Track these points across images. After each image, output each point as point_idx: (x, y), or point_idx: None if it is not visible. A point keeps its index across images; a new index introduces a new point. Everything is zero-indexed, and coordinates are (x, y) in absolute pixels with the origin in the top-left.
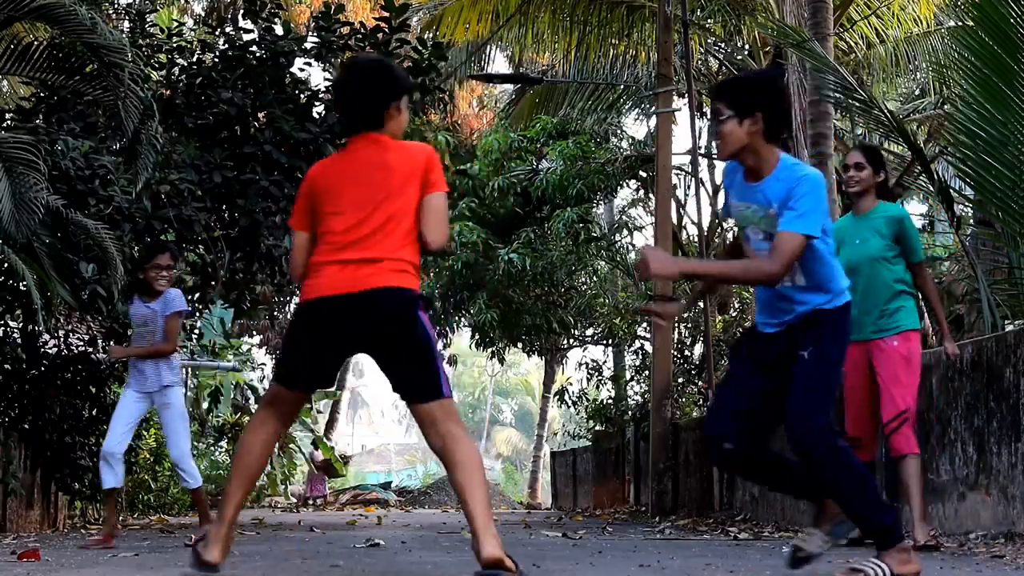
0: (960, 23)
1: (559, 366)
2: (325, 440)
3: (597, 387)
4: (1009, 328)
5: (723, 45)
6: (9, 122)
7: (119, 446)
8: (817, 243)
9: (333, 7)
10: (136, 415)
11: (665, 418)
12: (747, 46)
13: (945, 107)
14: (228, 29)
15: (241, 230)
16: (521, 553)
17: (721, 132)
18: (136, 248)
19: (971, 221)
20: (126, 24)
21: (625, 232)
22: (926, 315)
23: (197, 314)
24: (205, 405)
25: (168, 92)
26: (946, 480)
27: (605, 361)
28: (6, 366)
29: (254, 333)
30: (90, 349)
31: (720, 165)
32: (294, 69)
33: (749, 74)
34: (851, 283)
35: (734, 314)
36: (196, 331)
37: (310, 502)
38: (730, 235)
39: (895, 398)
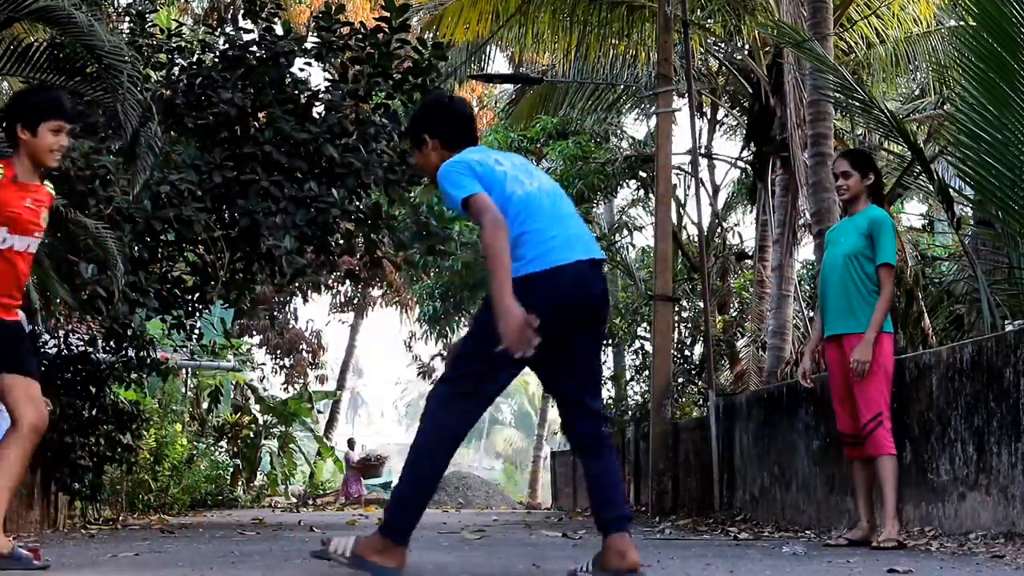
0: (961, 23)
1: None
2: (325, 440)
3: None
4: (1009, 328)
5: (723, 45)
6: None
7: None
8: None
9: (334, 7)
10: None
11: (665, 418)
12: (747, 46)
13: (945, 107)
14: (228, 29)
15: (241, 230)
16: (521, 553)
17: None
18: (136, 248)
19: (971, 221)
20: (126, 24)
21: (625, 232)
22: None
23: (197, 314)
24: (205, 405)
25: (168, 92)
26: (946, 480)
27: (605, 361)
28: None
29: (254, 333)
30: (90, 349)
31: (720, 165)
32: (294, 69)
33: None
34: (827, 280)
35: (734, 314)
36: (196, 331)
37: (343, 500)
38: (730, 235)
39: (868, 401)
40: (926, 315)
